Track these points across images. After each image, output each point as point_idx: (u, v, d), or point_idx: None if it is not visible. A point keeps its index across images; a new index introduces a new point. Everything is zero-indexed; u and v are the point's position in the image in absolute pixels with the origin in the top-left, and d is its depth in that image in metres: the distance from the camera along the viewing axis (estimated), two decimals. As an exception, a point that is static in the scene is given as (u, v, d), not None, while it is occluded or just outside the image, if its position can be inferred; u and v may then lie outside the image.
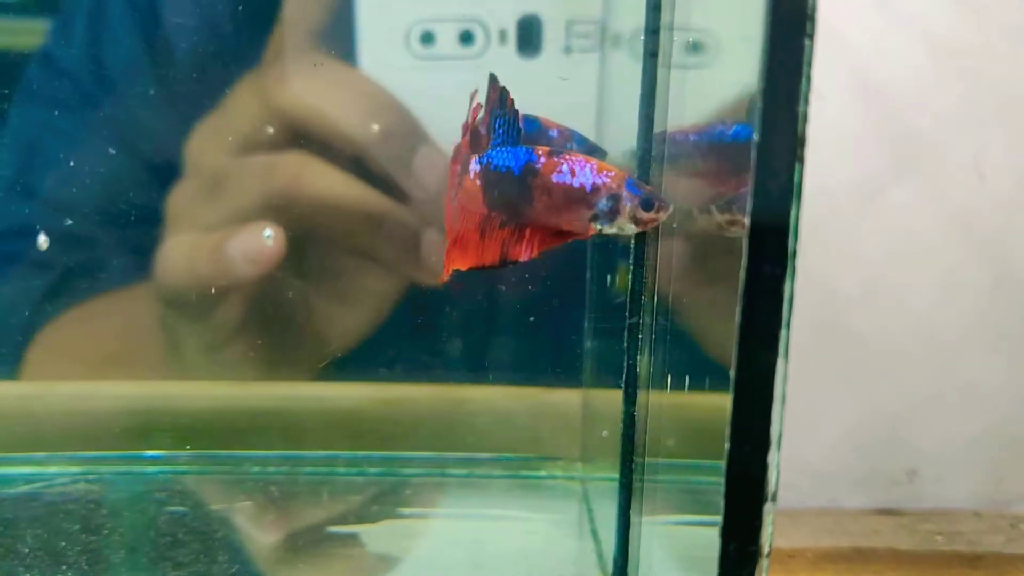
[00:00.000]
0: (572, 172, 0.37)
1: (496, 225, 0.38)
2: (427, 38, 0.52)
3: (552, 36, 0.52)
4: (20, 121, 0.55)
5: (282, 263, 0.53)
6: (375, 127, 0.52)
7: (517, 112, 0.38)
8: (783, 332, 0.28)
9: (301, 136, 0.52)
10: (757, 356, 0.28)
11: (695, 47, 0.39)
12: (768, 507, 0.29)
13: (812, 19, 0.27)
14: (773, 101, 0.27)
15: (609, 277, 0.54)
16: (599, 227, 0.37)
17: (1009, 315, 0.65)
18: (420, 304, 0.58)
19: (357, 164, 0.53)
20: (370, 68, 0.52)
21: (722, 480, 0.29)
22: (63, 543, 0.50)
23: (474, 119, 0.39)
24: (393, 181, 0.53)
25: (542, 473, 0.60)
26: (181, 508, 0.55)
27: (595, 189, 0.37)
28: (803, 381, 0.64)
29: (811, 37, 0.27)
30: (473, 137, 0.39)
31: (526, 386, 0.60)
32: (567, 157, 0.37)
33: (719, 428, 0.32)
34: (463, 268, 0.39)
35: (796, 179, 0.27)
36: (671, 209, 0.37)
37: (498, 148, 0.38)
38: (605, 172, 0.37)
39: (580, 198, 0.37)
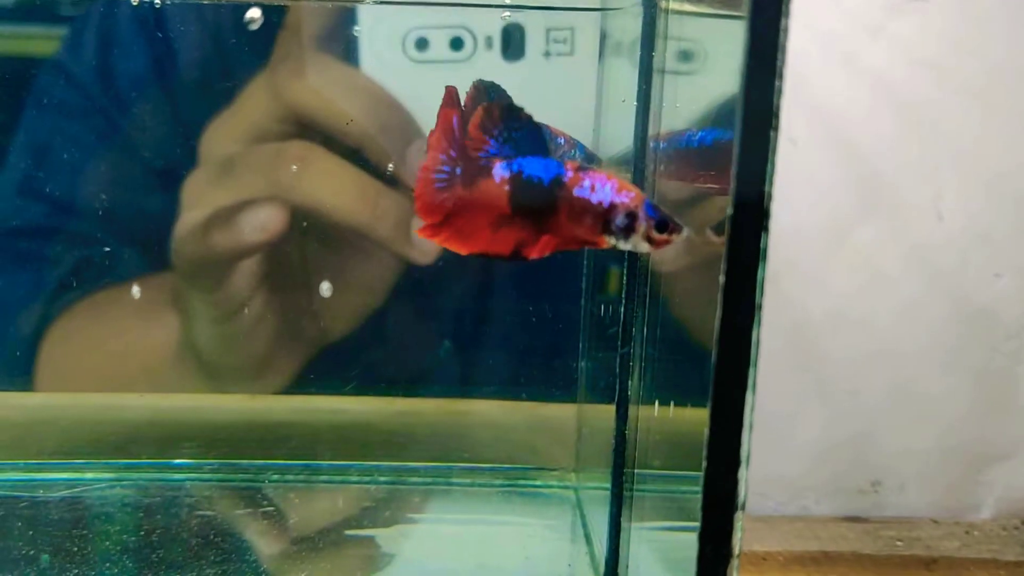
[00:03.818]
0: (593, 188, 0.38)
1: (516, 224, 0.39)
2: (421, 44, 0.56)
3: (533, 42, 0.55)
4: (35, 124, 0.59)
5: (286, 243, 0.56)
6: (375, 122, 0.56)
7: (540, 125, 0.40)
8: (751, 371, 0.33)
9: (306, 128, 0.55)
10: (730, 391, 0.33)
11: (686, 56, 0.43)
12: (738, 515, 0.35)
13: (777, 115, 0.32)
14: (744, 183, 0.32)
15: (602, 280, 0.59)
16: (614, 242, 0.38)
17: (963, 341, 0.68)
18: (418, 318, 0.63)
19: (356, 154, 0.56)
20: (371, 69, 0.56)
21: (700, 493, 0.34)
22: (106, 543, 0.54)
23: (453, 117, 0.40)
24: (388, 170, 0.56)
25: (539, 483, 0.64)
26: (210, 512, 0.59)
27: (612, 206, 0.38)
28: (778, 400, 0.68)
29: (775, 130, 0.32)
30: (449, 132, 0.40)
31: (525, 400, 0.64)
32: (591, 173, 0.38)
33: (697, 443, 0.36)
34: (463, 253, 0.40)
35: (763, 246, 0.33)
36: (685, 233, 0.38)
37: (530, 158, 0.39)
38: (625, 191, 0.38)
39: (599, 213, 0.38)
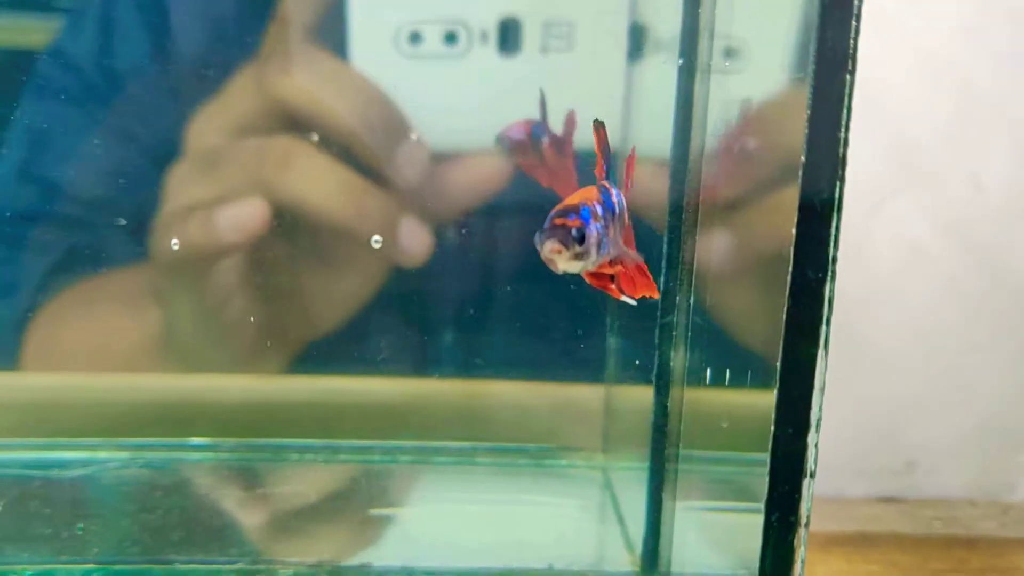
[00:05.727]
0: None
1: None
2: (415, 38, 0.55)
3: (530, 37, 0.54)
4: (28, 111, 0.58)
5: (269, 239, 0.55)
6: (363, 119, 0.55)
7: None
8: (823, 328, 0.32)
9: (293, 123, 0.54)
10: (801, 349, 0.32)
11: (729, 53, 0.42)
12: (807, 482, 0.33)
13: (853, 58, 0.30)
14: (818, 128, 0.31)
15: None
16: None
17: (1003, 318, 0.68)
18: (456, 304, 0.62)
19: (344, 152, 0.55)
20: (361, 64, 0.55)
21: (767, 457, 0.33)
22: (123, 522, 0.54)
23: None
24: (377, 170, 0.55)
25: (564, 462, 0.63)
26: (229, 491, 0.58)
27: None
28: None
29: (852, 73, 0.31)
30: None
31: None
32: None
33: (749, 422, 0.35)
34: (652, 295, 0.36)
35: (838, 196, 0.31)
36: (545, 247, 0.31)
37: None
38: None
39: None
